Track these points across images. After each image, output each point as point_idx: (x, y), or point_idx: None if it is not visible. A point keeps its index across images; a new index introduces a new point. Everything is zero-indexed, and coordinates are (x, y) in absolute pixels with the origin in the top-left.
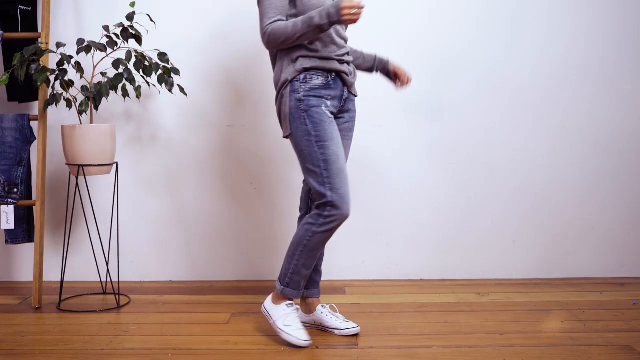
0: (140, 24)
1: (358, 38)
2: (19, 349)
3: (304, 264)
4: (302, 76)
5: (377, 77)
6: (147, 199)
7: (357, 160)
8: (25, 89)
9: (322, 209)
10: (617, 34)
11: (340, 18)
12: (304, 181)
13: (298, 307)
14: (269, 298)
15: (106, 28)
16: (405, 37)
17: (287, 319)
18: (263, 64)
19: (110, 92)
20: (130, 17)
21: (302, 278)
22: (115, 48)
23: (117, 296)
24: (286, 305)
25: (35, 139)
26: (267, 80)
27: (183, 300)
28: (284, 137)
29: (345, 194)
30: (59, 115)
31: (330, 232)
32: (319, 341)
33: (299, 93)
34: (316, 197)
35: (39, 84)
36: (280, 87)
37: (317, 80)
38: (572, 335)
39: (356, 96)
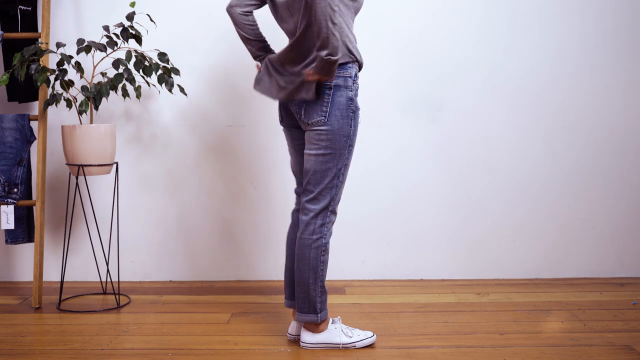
0: (140, 24)
1: (359, 38)
2: (19, 349)
3: (325, 279)
4: (354, 72)
5: (378, 77)
6: (147, 199)
7: (357, 161)
8: (25, 89)
9: (324, 214)
10: (613, 33)
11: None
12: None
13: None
14: (308, 335)
15: (106, 28)
16: (407, 38)
17: (345, 332)
18: None
19: (110, 92)
20: (130, 17)
21: (326, 293)
22: (115, 48)
23: (117, 296)
24: (331, 323)
25: (35, 139)
26: None
27: (183, 300)
28: (311, 123)
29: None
30: (59, 115)
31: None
32: None
33: (351, 91)
34: (320, 199)
35: (39, 84)
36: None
37: (358, 80)
38: (572, 335)
39: None
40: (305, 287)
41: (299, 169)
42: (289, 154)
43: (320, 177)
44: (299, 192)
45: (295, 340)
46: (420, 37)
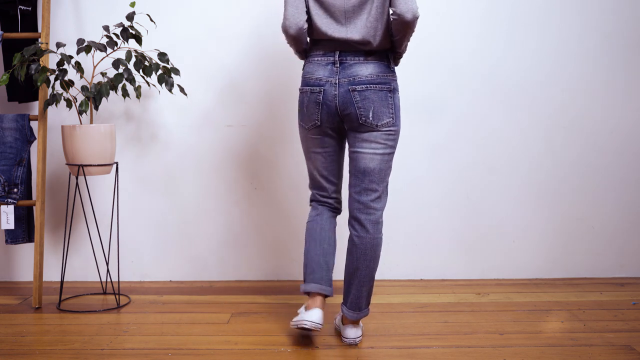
0: (140, 24)
1: None
2: (19, 349)
3: None
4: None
5: None
6: (148, 199)
7: None
8: (25, 89)
9: (383, 210)
10: (613, 33)
11: None
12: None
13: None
14: (357, 329)
15: (106, 28)
16: None
17: None
18: (263, 63)
19: (110, 92)
20: (130, 17)
21: None
22: (115, 48)
23: (117, 296)
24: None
25: (35, 139)
26: (267, 80)
27: (183, 300)
28: (381, 125)
29: None
30: (59, 115)
31: None
32: (319, 341)
33: (399, 93)
34: (382, 197)
35: (39, 84)
36: (391, 75)
37: None
38: (572, 335)
39: None
40: (371, 284)
41: (331, 171)
42: (311, 159)
43: (384, 175)
44: (330, 194)
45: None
46: (420, 37)
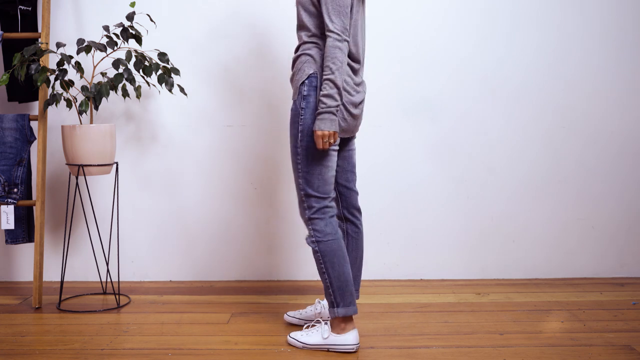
0: (140, 24)
1: None
2: (19, 349)
3: None
4: None
5: (378, 77)
6: (147, 199)
7: (357, 161)
8: (25, 89)
9: None
10: (613, 33)
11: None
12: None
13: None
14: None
15: (106, 28)
16: (406, 39)
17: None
18: (263, 63)
19: (110, 92)
20: (130, 17)
21: None
22: (115, 48)
23: (117, 296)
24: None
25: (35, 139)
26: (267, 80)
27: (183, 300)
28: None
29: None
30: (59, 115)
31: None
32: None
33: None
34: None
35: (39, 84)
36: None
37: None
38: (572, 335)
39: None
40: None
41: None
42: (330, 157)
43: None
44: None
45: None
46: (420, 37)
